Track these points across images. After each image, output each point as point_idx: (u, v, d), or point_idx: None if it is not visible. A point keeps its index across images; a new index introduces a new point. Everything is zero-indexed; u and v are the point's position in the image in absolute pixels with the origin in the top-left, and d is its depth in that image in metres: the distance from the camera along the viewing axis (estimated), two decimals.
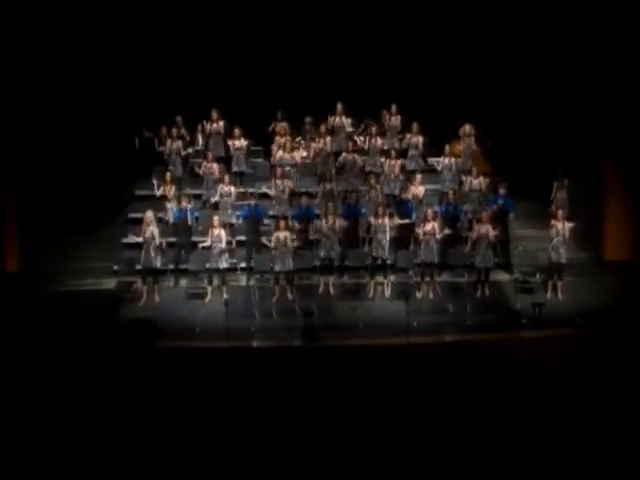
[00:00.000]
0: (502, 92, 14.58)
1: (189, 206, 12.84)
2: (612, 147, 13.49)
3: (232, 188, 13.09)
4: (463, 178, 13.56)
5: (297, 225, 12.54)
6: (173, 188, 13.07)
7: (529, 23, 13.85)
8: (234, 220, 13.07)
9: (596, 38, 12.99)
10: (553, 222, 12.15)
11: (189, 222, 12.73)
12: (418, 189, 13.08)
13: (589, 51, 13.22)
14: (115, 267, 13.02)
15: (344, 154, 13.67)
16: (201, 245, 12.36)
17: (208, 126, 14.06)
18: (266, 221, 13.09)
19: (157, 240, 12.10)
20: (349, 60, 14.81)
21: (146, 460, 7.91)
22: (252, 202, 12.83)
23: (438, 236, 12.13)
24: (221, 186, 13.09)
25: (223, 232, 12.19)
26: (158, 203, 13.06)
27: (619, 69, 12.96)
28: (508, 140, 14.45)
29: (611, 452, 7.89)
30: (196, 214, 12.95)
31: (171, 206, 12.88)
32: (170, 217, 12.85)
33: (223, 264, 12.17)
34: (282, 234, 12.03)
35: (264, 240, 12.34)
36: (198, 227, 13.02)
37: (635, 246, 13.25)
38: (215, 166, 13.46)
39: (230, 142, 13.91)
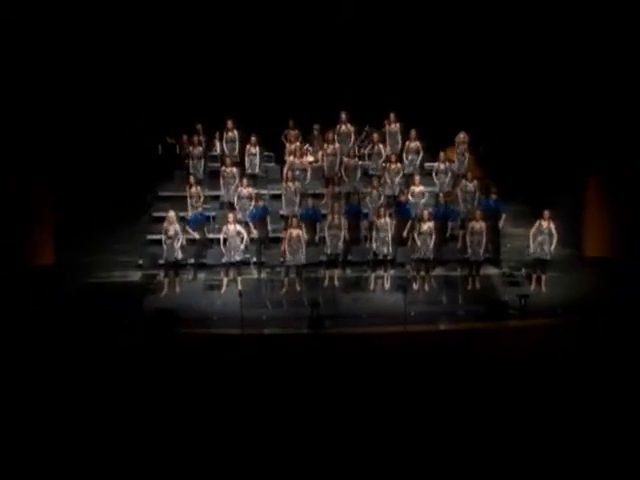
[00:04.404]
0: (494, 102, 14.58)
1: (207, 207, 12.96)
2: (593, 161, 13.40)
3: (250, 190, 13.14)
4: (458, 182, 13.57)
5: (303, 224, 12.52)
6: (198, 188, 13.12)
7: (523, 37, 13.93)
8: (249, 219, 13.11)
9: (584, 49, 13.01)
10: (539, 221, 12.15)
11: (209, 221, 12.80)
12: (418, 188, 13.10)
13: (576, 64, 13.21)
14: (140, 261, 13.08)
15: (346, 159, 13.67)
16: (222, 237, 12.31)
17: (225, 134, 14.16)
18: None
19: (179, 237, 12.13)
20: (354, 73, 14.82)
21: (168, 438, 7.90)
22: (261, 203, 12.88)
23: (433, 235, 12.19)
24: (240, 189, 13.15)
25: (238, 228, 12.22)
26: (179, 203, 13.15)
27: (604, 86, 12.92)
28: (498, 147, 14.46)
29: (592, 432, 7.90)
30: (213, 214, 12.91)
31: (193, 206, 12.98)
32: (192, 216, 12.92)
33: (237, 258, 12.19)
34: (294, 231, 12.11)
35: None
36: (215, 225, 13.05)
37: (613, 245, 13.19)
38: (234, 170, 13.52)
39: (246, 147, 13.94)
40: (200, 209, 12.97)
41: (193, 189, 13.09)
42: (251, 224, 12.69)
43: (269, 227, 12.86)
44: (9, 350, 9.70)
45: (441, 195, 13.04)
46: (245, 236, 12.22)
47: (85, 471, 7.35)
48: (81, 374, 9.22)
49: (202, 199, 13.08)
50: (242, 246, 12.19)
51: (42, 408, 8.43)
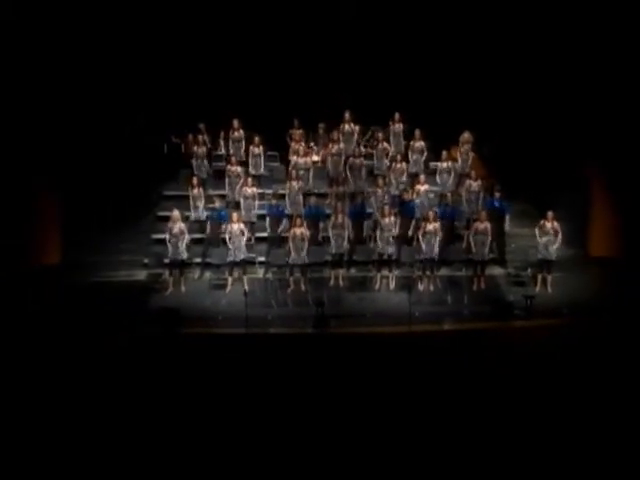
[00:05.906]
0: (498, 102, 14.49)
1: (218, 205, 12.83)
2: (597, 160, 13.33)
3: (254, 189, 13.07)
4: (462, 181, 13.48)
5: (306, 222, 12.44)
6: (200, 189, 13.04)
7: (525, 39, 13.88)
8: (254, 219, 13.04)
9: (589, 48, 12.91)
10: (542, 222, 12.10)
11: (221, 221, 12.64)
12: (423, 187, 13.05)
13: (580, 63, 13.12)
14: (145, 260, 13.03)
15: (351, 158, 13.57)
16: (226, 237, 12.24)
17: (230, 133, 14.04)
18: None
19: (185, 235, 12.08)
20: (359, 73, 14.78)
21: (172, 437, 7.81)
22: (274, 201, 12.84)
23: (438, 236, 12.12)
24: (244, 188, 13.05)
25: (242, 227, 12.16)
26: (184, 202, 13.08)
27: (609, 86, 12.81)
28: (503, 146, 14.37)
29: (597, 432, 7.78)
30: (224, 213, 12.78)
31: (198, 206, 12.90)
32: (199, 216, 12.87)
33: (241, 257, 12.13)
34: (298, 230, 12.03)
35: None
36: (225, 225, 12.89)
37: (617, 245, 13.10)
38: (238, 169, 13.43)
39: (250, 147, 13.86)
40: (218, 205, 12.88)
41: (195, 190, 13.00)
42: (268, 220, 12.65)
43: (281, 227, 12.79)
44: (14, 349, 9.64)
45: (448, 195, 12.97)
46: (244, 238, 12.15)
47: (86, 470, 7.27)
48: (86, 373, 9.18)
49: (204, 200, 12.99)
50: (244, 248, 12.13)
51: (44, 407, 8.36)
